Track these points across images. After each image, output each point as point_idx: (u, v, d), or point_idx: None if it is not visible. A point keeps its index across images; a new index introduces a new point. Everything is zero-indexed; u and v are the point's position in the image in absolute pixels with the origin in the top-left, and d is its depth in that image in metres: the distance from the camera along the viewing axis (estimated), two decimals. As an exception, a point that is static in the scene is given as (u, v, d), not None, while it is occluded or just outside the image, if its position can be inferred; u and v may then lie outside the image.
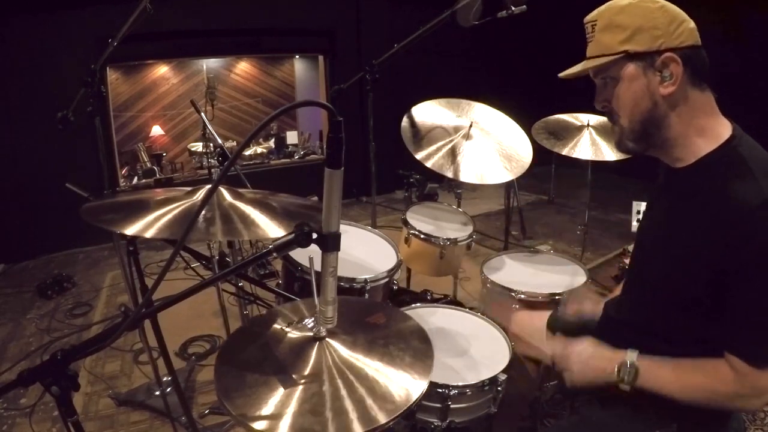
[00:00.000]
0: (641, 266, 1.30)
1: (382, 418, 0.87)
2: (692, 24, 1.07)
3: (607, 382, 1.16)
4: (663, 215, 1.20)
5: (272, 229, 1.17)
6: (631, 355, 1.15)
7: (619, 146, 1.19)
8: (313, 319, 1.06)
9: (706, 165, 1.10)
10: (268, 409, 0.88)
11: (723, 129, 1.11)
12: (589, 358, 1.21)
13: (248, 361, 1.00)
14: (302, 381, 0.94)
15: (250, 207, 1.26)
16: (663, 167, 1.23)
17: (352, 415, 0.87)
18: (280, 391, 0.91)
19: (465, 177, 2.19)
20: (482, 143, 2.32)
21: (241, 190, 1.36)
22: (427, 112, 2.45)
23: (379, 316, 1.16)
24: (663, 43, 1.05)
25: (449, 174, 2.19)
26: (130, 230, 1.09)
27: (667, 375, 1.13)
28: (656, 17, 1.05)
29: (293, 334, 1.07)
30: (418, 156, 2.23)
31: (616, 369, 1.15)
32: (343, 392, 0.91)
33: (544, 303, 1.85)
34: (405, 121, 2.35)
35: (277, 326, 1.10)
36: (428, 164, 2.22)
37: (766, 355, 1.05)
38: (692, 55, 1.06)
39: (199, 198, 1.26)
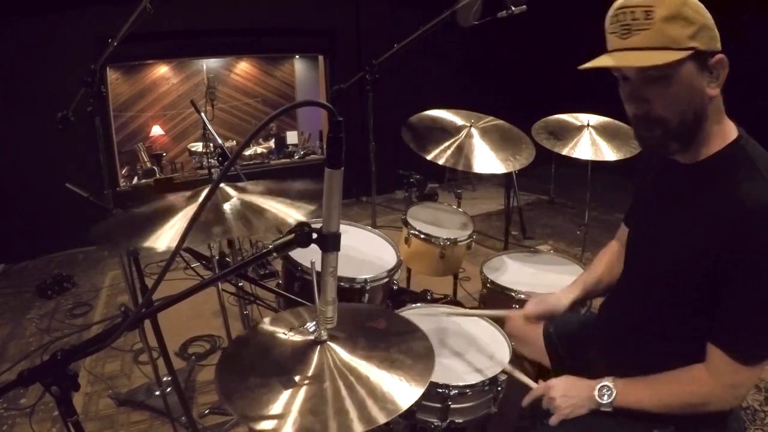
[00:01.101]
0: (638, 263, 1.30)
1: (381, 418, 0.87)
2: None
3: (590, 409, 1.21)
4: (666, 210, 1.20)
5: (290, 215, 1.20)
6: (607, 379, 1.20)
7: (661, 147, 1.11)
8: (314, 323, 1.06)
9: (717, 162, 1.10)
10: (272, 410, 0.89)
11: (730, 129, 1.12)
12: (569, 389, 1.24)
13: (250, 366, 1.01)
14: (304, 383, 0.94)
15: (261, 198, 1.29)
16: (661, 161, 1.23)
17: (353, 414, 0.87)
18: (283, 393, 0.92)
19: (476, 168, 2.23)
20: (485, 139, 2.34)
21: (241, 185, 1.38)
22: (427, 117, 2.46)
23: (380, 321, 1.16)
24: (716, 44, 1.03)
25: (460, 167, 2.22)
26: (157, 244, 1.10)
27: (642, 391, 1.16)
28: (709, 17, 1.02)
29: (294, 338, 1.07)
30: (429, 157, 2.25)
31: (595, 394, 1.19)
32: (344, 393, 0.92)
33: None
34: (405, 130, 2.36)
35: (278, 331, 1.10)
36: (440, 162, 2.24)
37: (750, 351, 1.06)
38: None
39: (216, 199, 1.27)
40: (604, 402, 1.18)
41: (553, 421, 1.23)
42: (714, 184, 1.09)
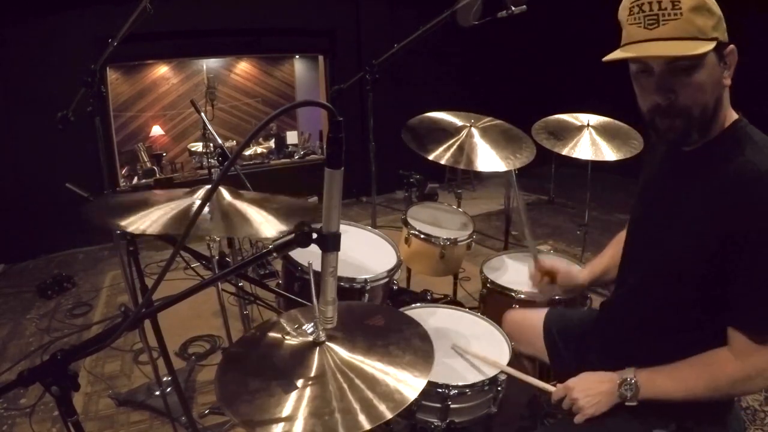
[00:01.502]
0: (638, 261, 1.30)
1: (387, 413, 0.88)
2: None
3: (614, 404, 1.18)
4: (668, 198, 1.20)
5: (269, 228, 1.18)
6: (628, 372, 1.18)
7: (684, 139, 1.11)
8: (312, 324, 1.06)
9: (715, 144, 1.12)
10: (276, 414, 0.88)
11: (732, 113, 1.14)
12: (590, 386, 1.23)
13: (250, 371, 1.00)
14: (307, 384, 0.94)
15: (250, 206, 1.27)
16: (663, 151, 1.24)
17: (359, 412, 0.87)
18: (286, 396, 0.91)
19: (478, 167, 2.21)
20: (485, 138, 2.33)
21: (241, 192, 1.37)
22: (427, 119, 2.46)
23: (377, 318, 1.16)
24: (726, 35, 1.05)
25: (462, 166, 2.22)
26: (131, 227, 1.09)
27: (667, 381, 1.14)
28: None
29: (293, 340, 1.07)
30: (430, 157, 2.24)
31: (617, 387, 1.17)
32: (347, 392, 0.92)
33: (543, 303, 1.85)
34: (405, 132, 2.35)
35: (276, 334, 1.10)
36: (442, 162, 2.24)
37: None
38: None
39: (198, 197, 1.26)
40: (628, 396, 1.16)
41: (578, 419, 1.21)
42: (714, 164, 1.10)
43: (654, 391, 1.14)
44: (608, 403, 1.19)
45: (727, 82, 1.08)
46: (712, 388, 1.10)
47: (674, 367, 1.14)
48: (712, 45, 1.01)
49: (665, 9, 1.00)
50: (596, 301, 1.81)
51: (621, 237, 1.57)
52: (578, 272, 1.60)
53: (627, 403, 1.17)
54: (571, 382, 1.26)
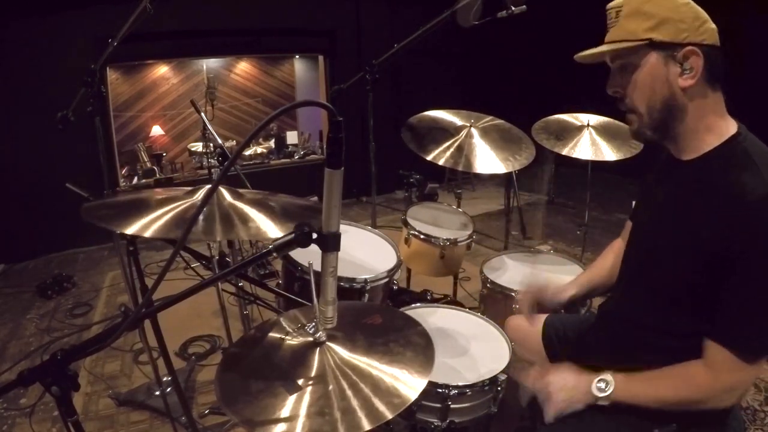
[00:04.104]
0: (633, 259, 1.31)
1: (388, 413, 0.88)
2: (714, 26, 1.10)
3: (587, 403, 1.20)
4: (664, 205, 1.21)
5: (271, 229, 1.17)
6: (605, 373, 1.20)
7: (637, 135, 1.20)
8: (312, 324, 1.06)
9: (712, 158, 1.12)
10: (278, 415, 0.88)
11: (730, 126, 1.13)
12: (567, 379, 1.24)
13: (251, 372, 1.00)
14: (307, 385, 0.94)
15: (250, 207, 1.26)
16: (664, 158, 1.25)
17: (360, 412, 0.87)
18: (287, 397, 0.91)
19: (476, 168, 2.23)
20: (485, 139, 2.34)
21: (240, 191, 1.36)
22: (427, 118, 2.46)
23: (375, 317, 1.17)
24: (687, 36, 1.07)
25: (461, 168, 2.23)
26: (130, 229, 1.08)
27: (639, 386, 1.16)
28: (682, 11, 1.08)
29: (293, 341, 1.07)
30: (429, 157, 2.24)
31: (593, 387, 1.19)
32: (348, 392, 0.92)
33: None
34: (405, 131, 2.35)
35: (276, 335, 1.10)
36: (440, 162, 2.24)
37: (752, 348, 1.05)
38: (712, 54, 1.08)
39: (199, 198, 1.25)
40: (600, 396, 1.17)
41: (549, 414, 1.22)
42: (711, 179, 1.09)
43: (626, 395, 1.16)
44: (581, 400, 1.20)
45: (686, 83, 1.09)
46: (682, 400, 1.11)
47: (649, 374, 1.16)
48: (632, 44, 1.10)
49: (611, 18, 1.15)
50: (596, 301, 1.81)
51: (613, 247, 1.58)
52: (555, 295, 1.57)
53: (599, 402, 1.18)
54: (550, 376, 1.27)
